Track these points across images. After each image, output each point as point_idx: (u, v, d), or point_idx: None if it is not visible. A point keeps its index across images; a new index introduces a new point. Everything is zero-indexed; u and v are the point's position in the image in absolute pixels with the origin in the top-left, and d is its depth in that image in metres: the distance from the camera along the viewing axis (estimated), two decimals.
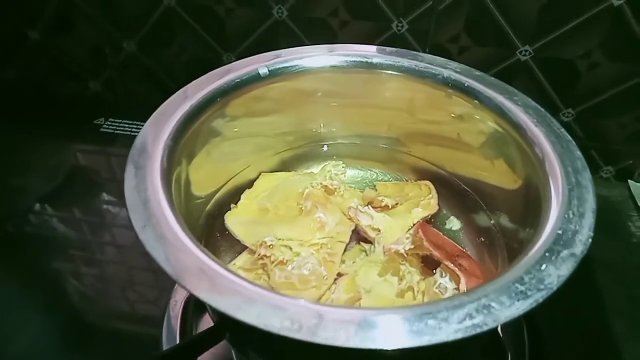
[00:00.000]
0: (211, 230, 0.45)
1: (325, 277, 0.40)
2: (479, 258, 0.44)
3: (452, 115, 0.45)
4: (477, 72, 0.44)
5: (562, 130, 0.38)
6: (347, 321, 0.25)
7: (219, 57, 0.73)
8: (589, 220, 0.31)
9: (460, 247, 0.43)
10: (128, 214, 0.30)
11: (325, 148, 0.53)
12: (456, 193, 0.48)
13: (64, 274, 0.53)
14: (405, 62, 0.46)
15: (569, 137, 0.38)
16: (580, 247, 0.29)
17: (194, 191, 0.41)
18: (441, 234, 0.44)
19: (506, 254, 0.43)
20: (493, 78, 0.44)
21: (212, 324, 0.37)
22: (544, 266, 0.28)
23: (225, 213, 0.46)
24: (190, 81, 0.43)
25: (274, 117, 0.48)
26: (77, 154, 0.71)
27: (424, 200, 0.46)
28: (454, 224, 0.46)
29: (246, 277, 0.39)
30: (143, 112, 0.40)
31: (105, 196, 0.64)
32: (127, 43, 0.74)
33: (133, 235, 0.29)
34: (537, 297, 0.27)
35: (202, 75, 0.44)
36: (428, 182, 0.49)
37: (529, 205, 0.38)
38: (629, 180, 0.66)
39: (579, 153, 0.36)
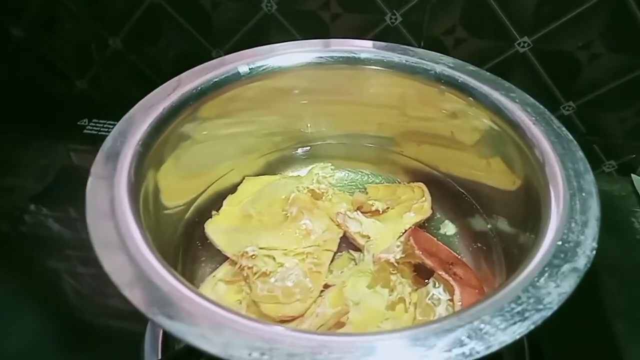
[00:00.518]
0: (191, 239, 0.43)
1: (310, 290, 0.38)
2: (475, 265, 0.41)
3: (445, 112, 0.43)
4: (472, 67, 0.42)
5: (563, 129, 0.36)
6: (319, 352, 0.22)
7: (208, 53, 0.70)
8: (592, 229, 0.28)
9: (455, 254, 0.41)
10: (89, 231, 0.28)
11: (313, 149, 0.50)
12: (451, 195, 0.46)
13: (59, 272, 0.52)
14: (395, 57, 0.43)
15: (570, 137, 0.35)
16: (583, 260, 0.27)
17: (168, 200, 0.39)
18: (435, 239, 0.42)
19: (504, 260, 0.40)
20: (489, 73, 0.41)
21: None
22: (543, 282, 0.26)
23: (206, 221, 0.43)
24: None
25: (256, 117, 0.46)
26: (68, 153, 0.70)
27: (417, 204, 0.44)
28: (449, 228, 0.44)
29: (227, 290, 0.37)
30: None
31: None
32: (112, 40, 0.72)
33: None
34: (536, 318, 0.24)
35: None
36: (421, 184, 0.46)
37: (529, 207, 0.36)
38: (632, 175, 0.64)
39: (581, 154, 0.34)
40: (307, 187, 0.44)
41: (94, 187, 0.31)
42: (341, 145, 0.51)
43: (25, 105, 0.77)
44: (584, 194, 0.31)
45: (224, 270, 0.40)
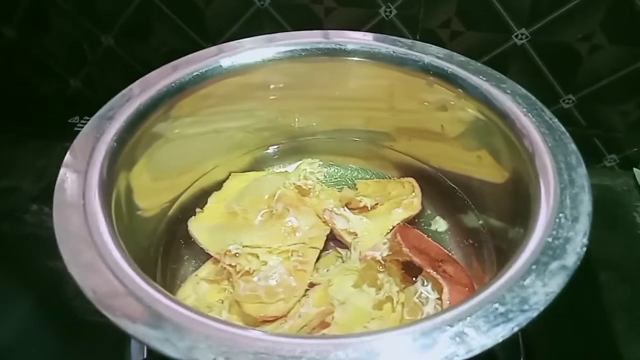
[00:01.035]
0: (174, 237, 0.42)
1: (294, 289, 0.37)
2: (466, 262, 0.40)
3: (435, 105, 0.42)
4: (462, 58, 0.40)
5: (555, 120, 0.34)
6: (289, 356, 0.21)
7: (200, 49, 0.69)
8: (583, 225, 0.27)
9: (445, 251, 0.39)
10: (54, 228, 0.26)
11: (301, 145, 0.49)
12: (442, 191, 0.45)
13: (59, 272, 0.51)
14: (382, 49, 0.41)
15: (563, 129, 0.34)
16: (572, 257, 0.25)
17: (144, 198, 0.37)
18: (425, 236, 0.41)
19: (495, 257, 0.39)
20: (479, 64, 0.40)
21: None
22: (529, 281, 0.24)
23: (190, 218, 0.42)
24: None
25: (240, 113, 0.45)
26: (64, 152, 0.69)
27: (407, 200, 0.42)
28: (440, 224, 0.43)
29: (209, 289, 0.36)
30: None
31: None
32: (104, 37, 0.71)
33: None
34: (520, 320, 0.23)
35: None
36: (412, 180, 0.45)
37: (518, 202, 0.34)
38: (634, 169, 0.62)
39: (573, 146, 0.32)
40: (294, 184, 0.43)
41: (64, 181, 0.29)
42: (331, 140, 0.50)
43: (19, 106, 0.76)
44: (575, 188, 0.29)
45: (207, 269, 0.39)
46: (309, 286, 0.38)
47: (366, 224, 0.41)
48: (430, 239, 0.40)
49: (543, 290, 0.24)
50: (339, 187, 0.47)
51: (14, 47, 0.74)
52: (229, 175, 0.46)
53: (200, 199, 0.44)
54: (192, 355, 0.21)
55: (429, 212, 0.44)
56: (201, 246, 0.40)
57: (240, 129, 0.48)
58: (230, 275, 0.38)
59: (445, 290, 0.35)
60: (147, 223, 0.39)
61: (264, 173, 0.47)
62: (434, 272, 0.35)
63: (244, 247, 0.39)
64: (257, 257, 0.38)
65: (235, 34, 0.65)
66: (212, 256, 0.40)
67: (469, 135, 0.41)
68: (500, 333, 0.22)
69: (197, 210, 0.43)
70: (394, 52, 0.41)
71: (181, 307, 0.24)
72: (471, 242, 0.41)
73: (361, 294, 0.37)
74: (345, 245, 0.41)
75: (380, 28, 0.61)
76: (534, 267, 0.25)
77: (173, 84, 0.38)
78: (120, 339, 0.41)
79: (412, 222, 0.43)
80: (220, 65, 0.41)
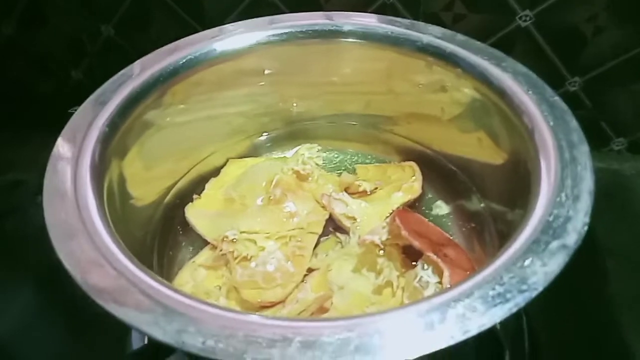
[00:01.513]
0: (171, 223, 0.41)
1: (292, 274, 0.36)
2: (468, 246, 0.39)
3: (434, 87, 0.41)
4: (461, 37, 0.39)
5: (557, 98, 0.33)
6: (280, 339, 0.20)
7: None
8: (585, 203, 0.26)
9: (446, 235, 0.39)
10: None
11: (300, 130, 0.48)
12: (444, 174, 0.44)
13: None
14: (379, 29, 0.40)
15: (565, 106, 0.33)
16: (573, 236, 0.25)
17: (139, 185, 0.37)
18: (425, 220, 0.40)
19: (497, 241, 0.38)
20: (479, 42, 0.39)
21: None
22: (528, 261, 0.24)
23: (187, 204, 0.42)
24: None
25: (236, 98, 0.44)
26: None
27: (407, 184, 0.42)
28: (442, 208, 0.42)
29: (207, 276, 0.36)
30: None
31: None
32: (104, 28, 0.70)
33: None
34: (518, 300, 0.22)
35: None
36: (412, 163, 0.44)
37: (519, 182, 0.33)
38: None
39: (575, 123, 0.31)
40: (292, 169, 0.43)
41: (54, 167, 0.29)
42: (330, 125, 0.49)
43: (20, 101, 0.76)
44: (577, 166, 0.28)
45: (204, 255, 0.39)
46: (307, 271, 0.37)
47: (365, 209, 0.40)
48: (431, 222, 0.40)
49: (542, 270, 0.23)
50: (338, 171, 0.46)
51: (12, 43, 0.73)
52: (227, 161, 0.46)
53: (197, 185, 0.44)
54: (181, 339, 0.21)
55: (430, 195, 0.43)
56: (198, 233, 0.40)
57: (239, 114, 0.47)
58: (227, 261, 0.37)
59: (446, 274, 0.34)
60: (142, 211, 0.39)
61: (262, 159, 0.46)
62: (434, 256, 0.35)
63: (241, 233, 0.38)
64: (255, 242, 0.38)
65: (235, 21, 0.64)
66: (209, 242, 0.39)
67: (466, 117, 0.40)
68: (498, 314, 0.22)
69: (195, 196, 0.43)
70: (391, 32, 0.40)
71: (171, 290, 0.23)
72: (473, 225, 0.40)
73: (360, 279, 0.36)
74: (344, 230, 0.41)
75: (382, 11, 0.60)
76: (533, 246, 0.24)
77: (166, 69, 0.38)
78: (122, 331, 0.41)
79: (412, 206, 0.42)
80: (214, 49, 0.40)
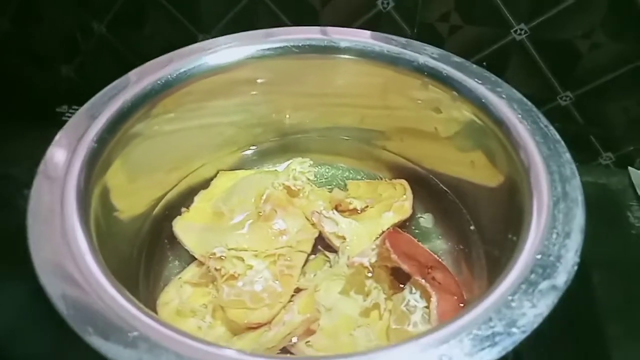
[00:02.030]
0: (158, 237, 0.41)
1: (280, 294, 0.36)
2: (455, 267, 0.39)
3: (429, 106, 0.40)
4: (457, 59, 0.39)
5: (551, 128, 0.33)
6: None
7: (194, 39, 0.68)
8: (575, 241, 0.26)
9: (435, 257, 0.39)
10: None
11: (293, 143, 0.48)
12: (434, 194, 0.44)
13: None
14: (376, 47, 0.40)
15: (558, 137, 0.33)
16: (563, 277, 0.25)
17: (124, 199, 0.36)
18: (415, 240, 0.40)
19: (485, 263, 0.38)
20: (475, 66, 0.39)
21: None
22: (517, 303, 0.24)
23: (176, 217, 0.41)
24: None
25: (228, 108, 0.43)
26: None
27: (398, 203, 0.41)
28: (427, 221, 0.42)
29: (193, 293, 0.36)
30: None
31: None
32: (97, 26, 0.69)
33: None
34: (507, 344, 0.22)
35: None
36: (403, 181, 0.44)
37: (512, 208, 0.34)
38: (629, 168, 0.61)
39: (568, 156, 0.31)
40: (283, 184, 0.42)
41: (40, 186, 0.28)
42: (323, 138, 0.48)
43: (8, 96, 0.75)
44: (568, 202, 0.28)
45: (191, 271, 0.38)
46: (295, 291, 0.37)
47: (355, 228, 0.40)
48: (420, 244, 0.40)
49: (532, 312, 0.23)
50: (330, 187, 0.46)
51: (5, 39, 0.72)
52: (217, 173, 0.45)
53: (187, 198, 0.44)
54: None
55: (419, 215, 0.43)
56: (186, 248, 0.39)
57: (232, 124, 0.47)
58: (214, 278, 0.37)
59: (434, 299, 0.34)
60: (130, 224, 0.38)
61: (253, 171, 0.46)
62: (423, 280, 0.35)
63: (229, 249, 0.38)
64: (243, 260, 0.37)
65: (229, 23, 0.63)
66: (196, 258, 0.39)
67: (464, 136, 0.40)
68: (486, 357, 0.22)
69: (183, 209, 0.42)
70: (387, 50, 0.40)
71: (158, 324, 0.23)
72: (462, 247, 0.40)
73: (348, 301, 0.36)
74: (333, 249, 0.40)
75: (377, 21, 0.59)
76: (523, 286, 0.24)
77: (159, 82, 0.37)
78: None
79: (402, 224, 0.42)
80: (209, 62, 0.40)
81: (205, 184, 0.45)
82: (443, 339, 0.23)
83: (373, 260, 0.36)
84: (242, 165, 0.47)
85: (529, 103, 0.35)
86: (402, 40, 0.41)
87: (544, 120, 0.34)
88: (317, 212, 0.41)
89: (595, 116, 0.61)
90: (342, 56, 0.41)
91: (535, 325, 0.23)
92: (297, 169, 0.44)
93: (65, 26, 0.69)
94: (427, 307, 0.34)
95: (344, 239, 0.39)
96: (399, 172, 0.46)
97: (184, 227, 0.40)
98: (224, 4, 0.62)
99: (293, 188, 0.42)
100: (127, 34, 0.68)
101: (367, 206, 0.42)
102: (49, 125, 0.68)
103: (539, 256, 0.26)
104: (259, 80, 0.44)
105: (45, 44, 0.71)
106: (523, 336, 0.22)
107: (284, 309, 0.35)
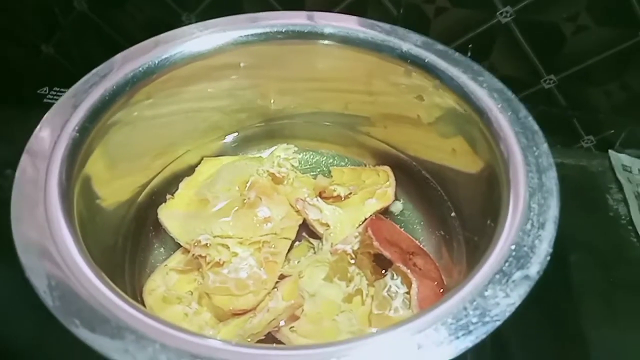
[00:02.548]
0: (143, 224, 0.41)
1: (264, 281, 0.37)
2: (436, 252, 0.40)
3: (412, 93, 0.41)
4: (440, 47, 0.39)
5: (530, 118, 0.34)
6: None
7: (177, 17, 0.67)
8: (549, 232, 0.27)
9: (416, 243, 0.40)
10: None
11: (277, 128, 0.48)
12: (416, 180, 0.45)
13: None
14: (360, 33, 0.40)
15: (537, 128, 0.33)
16: (535, 267, 0.25)
17: (107, 187, 0.37)
18: (397, 227, 0.41)
19: (464, 249, 0.39)
20: (458, 54, 0.39)
21: None
22: (491, 292, 0.24)
23: (161, 204, 0.42)
24: None
25: (212, 92, 0.43)
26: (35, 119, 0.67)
27: (381, 189, 0.42)
28: (396, 207, 0.43)
29: (179, 280, 0.36)
30: None
31: None
32: (77, 2, 0.68)
33: None
34: (480, 332, 0.23)
35: None
36: (387, 168, 0.44)
37: (490, 195, 0.34)
38: (610, 151, 0.62)
39: (545, 147, 0.32)
40: (267, 171, 0.42)
41: (22, 178, 0.29)
42: (307, 124, 0.49)
43: None
44: (544, 192, 0.29)
45: (176, 258, 0.39)
46: (279, 278, 0.38)
47: (339, 215, 0.40)
48: (402, 230, 0.40)
49: (505, 302, 0.24)
50: (314, 173, 0.46)
51: None
52: (202, 159, 0.45)
53: (171, 184, 0.44)
54: None
55: (402, 201, 0.44)
56: (171, 235, 0.40)
57: (216, 109, 0.46)
58: (200, 265, 0.37)
59: (414, 285, 0.35)
60: (114, 211, 0.38)
61: (237, 158, 0.46)
62: (404, 267, 0.36)
63: (214, 237, 0.38)
64: (228, 248, 0.38)
65: (213, 2, 0.63)
66: (182, 245, 0.39)
67: (446, 122, 0.40)
68: (460, 346, 0.23)
69: (168, 196, 0.42)
70: (371, 37, 0.40)
71: (144, 315, 0.23)
72: (442, 233, 0.41)
73: (331, 287, 0.37)
74: (317, 235, 0.41)
75: (364, 3, 0.59)
76: (497, 276, 0.25)
77: (141, 68, 0.37)
78: None
79: (385, 210, 0.43)
80: (193, 48, 0.40)
81: (190, 170, 0.45)
82: (420, 327, 0.23)
83: (356, 247, 0.37)
84: (227, 152, 0.47)
85: (510, 93, 0.36)
86: (387, 26, 0.41)
87: (523, 111, 0.34)
88: (301, 199, 0.41)
89: (577, 99, 0.62)
90: (326, 42, 0.41)
91: (507, 315, 0.24)
92: (282, 156, 0.44)
93: (44, 1, 0.67)
94: (408, 293, 0.35)
95: (328, 226, 0.40)
96: (382, 158, 0.47)
97: (169, 215, 0.41)
98: None
99: (277, 175, 0.43)
100: (109, 11, 0.67)
101: (350, 193, 0.42)
102: (30, 106, 0.68)
103: (513, 247, 0.26)
104: (242, 64, 0.43)
105: (21, 17, 0.70)
106: (496, 325, 0.23)
107: (268, 296, 0.36)
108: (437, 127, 0.41)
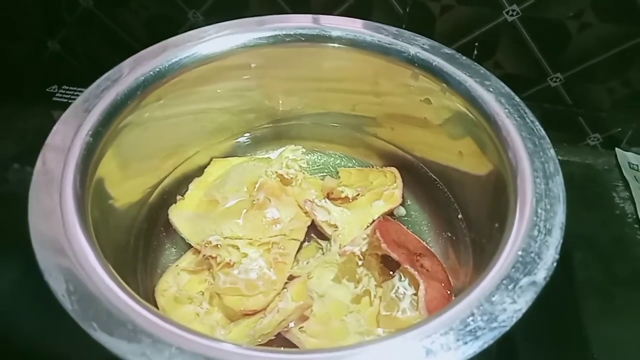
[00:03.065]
0: (155, 224, 0.42)
1: (274, 282, 0.37)
2: (443, 254, 0.41)
3: (419, 96, 0.41)
4: (448, 50, 0.40)
5: (537, 123, 0.34)
6: None
7: (183, 14, 0.67)
8: (555, 238, 0.27)
9: (423, 244, 0.40)
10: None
11: (285, 130, 0.49)
12: (423, 182, 0.45)
13: None
14: (367, 37, 0.40)
15: (543, 133, 0.34)
16: (542, 273, 0.26)
17: (119, 188, 0.37)
18: (404, 228, 0.41)
19: (471, 250, 0.40)
20: (465, 57, 0.39)
21: None
22: (498, 298, 0.25)
23: (171, 205, 0.42)
24: (154, 42, 0.39)
25: (221, 92, 0.44)
26: (45, 113, 0.67)
27: (388, 191, 0.43)
28: (399, 210, 0.44)
29: (190, 280, 0.37)
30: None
31: None
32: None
33: None
34: (488, 338, 0.24)
35: (165, 34, 0.40)
36: (394, 169, 0.45)
37: (497, 199, 0.35)
38: (616, 149, 0.62)
39: (552, 152, 0.32)
40: (276, 172, 0.43)
41: (38, 183, 0.29)
42: (315, 125, 0.49)
43: None
44: (551, 198, 0.29)
45: (187, 259, 0.39)
46: (288, 278, 0.38)
47: (347, 217, 0.41)
48: (409, 231, 0.41)
49: (512, 308, 0.25)
50: (322, 174, 0.46)
51: None
52: (211, 160, 0.46)
53: (182, 185, 0.44)
54: None
55: (409, 202, 0.44)
56: (182, 235, 0.41)
57: (224, 110, 0.47)
58: (210, 265, 0.38)
59: (422, 287, 0.35)
60: (126, 212, 0.39)
61: (246, 159, 0.46)
62: (412, 269, 0.36)
63: (224, 238, 0.39)
64: (238, 248, 0.39)
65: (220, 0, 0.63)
66: (192, 245, 0.40)
67: (454, 123, 0.41)
68: (468, 351, 0.23)
69: (178, 197, 0.43)
70: (379, 40, 0.40)
71: (161, 320, 0.24)
72: (449, 235, 0.42)
73: (340, 288, 0.38)
74: (325, 236, 0.42)
75: (370, 1, 0.59)
76: (504, 282, 0.26)
77: (152, 72, 0.37)
78: None
79: (392, 211, 0.43)
80: (202, 52, 0.40)
81: (200, 171, 0.45)
82: (428, 332, 0.24)
83: (364, 249, 0.37)
84: (236, 153, 0.48)
85: (517, 97, 0.36)
86: (394, 29, 0.41)
87: (530, 116, 0.35)
88: (309, 200, 0.42)
89: (584, 97, 0.62)
90: (334, 45, 0.42)
91: (514, 320, 0.24)
92: (290, 157, 0.45)
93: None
94: (416, 294, 0.36)
95: (336, 227, 0.41)
96: (389, 159, 0.47)
97: (179, 215, 0.41)
98: None
99: (286, 176, 0.43)
100: (114, 8, 0.67)
101: (358, 194, 0.43)
102: (37, 102, 0.69)
103: (520, 252, 0.27)
104: (252, 65, 0.44)
105: (27, 12, 0.70)
106: (503, 330, 0.24)
107: (278, 296, 0.37)
108: (444, 129, 0.42)
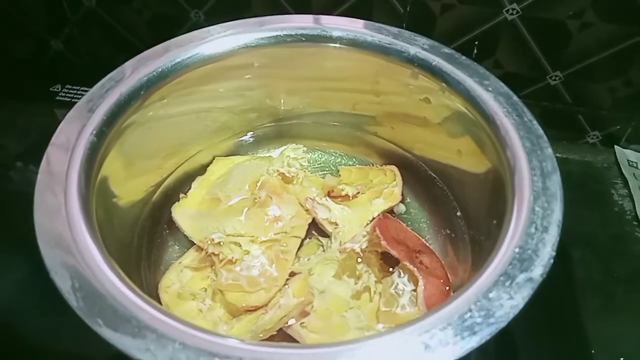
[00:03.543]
0: (158, 222, 0.42)
1: (275, 279, 0.38)
2: (442, 251, 0.41)
3: (419, 95, 0.42)
4: (447, 50, 0.40)
5: (534, 122, 0.35)
6: None
7: (186, 14, 0.67)
8: (552, 235, 0.28)
9: (423, 241, 0.41)
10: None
11: (286, 128, 0.49)
12: (423, 180, 0.45)
13: None
14: (368, 37, 0.41)
15: (541, 132, 0.34)
16: (539, 270, 0.26)
17: (123, 187, 0.38)
18: (404, 225, 0.42)
19: (470, 248, 0.40)
20: (464, 57, 0.40)
21: None
22: (496, 294, 0.25)
23: (174, 203, 0.43)
24: (156, 41, 0.40)
25: (223, 92, 0.44)
26: (49, 112, 0.68)
27: (388, 189, 0.43)
28: (399, 207, 0.44)
29: (193, 277, 0.37)
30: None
31: None
32: None
33: None
34: (485, 333, 0.24)
35: (167, 33, 0.40)
36: (394, 168, 0.45)
37: (495, 196, 0.35)
38: (615, 146, 0.63)
39: (549, 151, 0.33)
40: (277, 171, 0.44)
41: (43, 183, 0.30)
42: (316, 124, 0.50)
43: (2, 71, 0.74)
44: (548, 196, 0.30)
45: (190, 256, 0.40)
46: (290, 275, 0.39)
47: (347, 214, 0.41)
48: (409, 228, 0.41)
49: (509, 304, 0.25)
50: (323, 172, 0.47)
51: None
52: (213, 159, 0.46)
53: (184, 183, 0.45)
54: None
55: (408, 200, 0.45)
56: (184, 233, 0.41)
57: (226, 109, 0.47)
58: (213, 263, 0.39)
59: (421, 283, 0.36)
60: (129, 210, 0.40)
61: (248, 157, 0.47)
62: (411, 265, 0.37)
63: (227, 235, 0.39)
64: (240, 246, 0.39)
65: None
66: (195, 243, 0.41)
67: (453, 122, 0.41)
68: (466, 346, 0.24)
69: (181, 195, 0.43)
70: (379, 40, 0.41)
71: (165, 315, 0.25)
72: (448, 232, 0.42)
73: (340, 284, 0.38)
74: (326, 234, 0.42)
75: (370, 0, 0.60)
76: (501, 279, 0.26)
77: (154, 73, 0.38)
78: None
79: (391, 209, 0.44)
80: (204, 52, 0.41)
81: (202, 169, 0.46)
82: (426, 327, 0.25)
83: (364, 246, 0.38)
84: (238, 151, 0.48)
85: (515, 96, 0.37)
86: (394, 30, 0.42)
87: (528, 115, 0.35)
88: (310, 198, 0.42)
89: (583, 95, 0.62)
90: (335, 45, 0.42)
91: (511, 316, 0.25)
92: (291, 156, 0.45)
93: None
94: (415, 290, 0.36)
95: (337, 224, 0.41)
96: (389, 158, 0.48)
97: (182, 213, 0.42)
98: None
99: (287, 175, 0.44)
100: (117, 7, 0.67)
101: (358, 192, 0.43)
102: (40, 101, 0.69)
103: (517, 249, 0.27)
104: (255, 64, 0.44)
105: (31, 15, 0.70)
106: (500, 326, 0.24)
107: (279, 293, 0.37)
108: (444, 128, 0.42)
